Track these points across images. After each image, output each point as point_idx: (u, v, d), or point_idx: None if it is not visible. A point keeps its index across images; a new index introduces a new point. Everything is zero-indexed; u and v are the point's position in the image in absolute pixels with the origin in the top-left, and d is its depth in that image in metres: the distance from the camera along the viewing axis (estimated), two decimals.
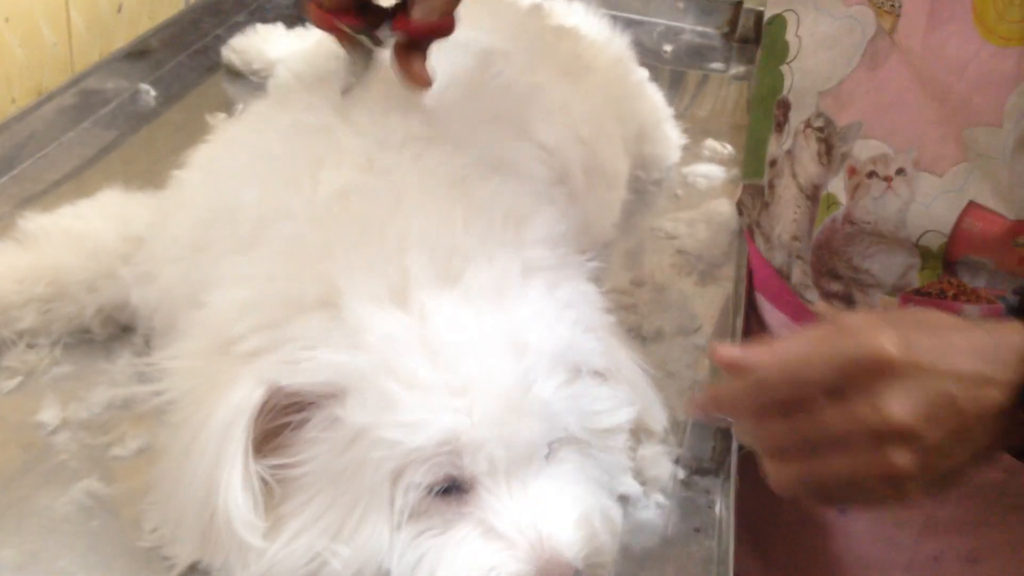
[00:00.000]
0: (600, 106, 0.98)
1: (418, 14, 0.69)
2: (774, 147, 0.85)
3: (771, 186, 0.86)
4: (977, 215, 0.71)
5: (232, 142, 0.76)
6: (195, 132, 1.10)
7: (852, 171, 0.77)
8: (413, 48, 0.70)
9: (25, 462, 0.67)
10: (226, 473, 0.58)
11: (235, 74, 1.22)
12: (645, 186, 1.11)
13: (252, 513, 0.58)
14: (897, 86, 0.73)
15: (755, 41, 1.52)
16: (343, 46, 0.73)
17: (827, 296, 0.82)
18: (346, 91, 0.73)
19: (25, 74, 1.06)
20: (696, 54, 1.50)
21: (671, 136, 1.14)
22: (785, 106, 0.83)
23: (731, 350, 0.57)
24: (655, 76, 1.22)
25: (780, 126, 0.84)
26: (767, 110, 0.85)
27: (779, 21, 0.82)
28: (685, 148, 1.18)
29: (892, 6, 0.72)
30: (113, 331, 0.78)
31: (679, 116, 1.20)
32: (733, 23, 1.54)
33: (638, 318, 0.89)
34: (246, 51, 1.21)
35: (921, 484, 0.56)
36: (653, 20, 1.55)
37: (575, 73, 0.97)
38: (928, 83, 0.71)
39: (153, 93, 1.15)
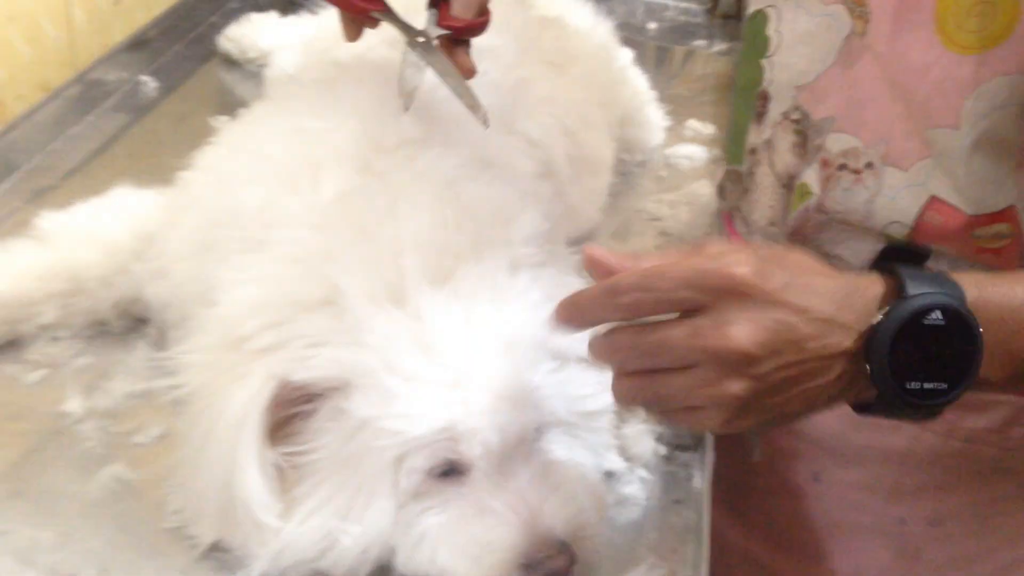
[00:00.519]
0: (584, 95, 1.02)
1: (458, 10, 0.75)
2: (754, 136, 0.89)
3: (750, 173, 0.90)
4: (938, 208, 0.76)
5: (235, 145, 0.81)
6: (194, 123, 1.15)
7: (825, 163, 0.81)
8: (457, 42, 0.76)
9: (55, 450, 0.73)
10: (242, 459, 0.63)
11: (231, 63, 1.26)
12: (629, 168, 1.16)
13: (268, 496, 0.63)
14: (868, 84, 0.77)
15: (736, 17, 1.55)
16: (407, 53, 0.76)
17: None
18: (408, 104, 0.77)
19: (30, 71, 1.09)
20: (680, 31, 1.53)
21: (654, 119, 1.19)
22: (764, 98, 0.86)
23: (599, 250, 0.58)
24: (640, 53, 1.25)
25: (760, 116, 0.88)
26: (747, 100, 0.89)
27: (760, 16, 0.85)
28: (668, 129, 1.21)
29: (862, 12, 0.76)
30: (129, 323, 0.83)
31: (662, 95, 1.24)
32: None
33: None
34: (241, 40, 1.24)
35: (752, 414, 0.56)
36: None
37: (559, 64, 1.01)
38: (894, 84, 0.75)
39: (153, 84, 1.19)
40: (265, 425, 0.64)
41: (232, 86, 1.23)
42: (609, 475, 0.73)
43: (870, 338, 0.56)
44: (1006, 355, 0.60)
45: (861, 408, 0.61)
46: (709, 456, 0.75)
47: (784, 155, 0.84)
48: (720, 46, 1.50)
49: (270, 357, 0.65)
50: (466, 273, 0.67)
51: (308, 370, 0.64)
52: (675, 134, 1.22)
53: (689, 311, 0.56)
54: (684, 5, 1.58)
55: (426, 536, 0.65)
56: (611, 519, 0.70)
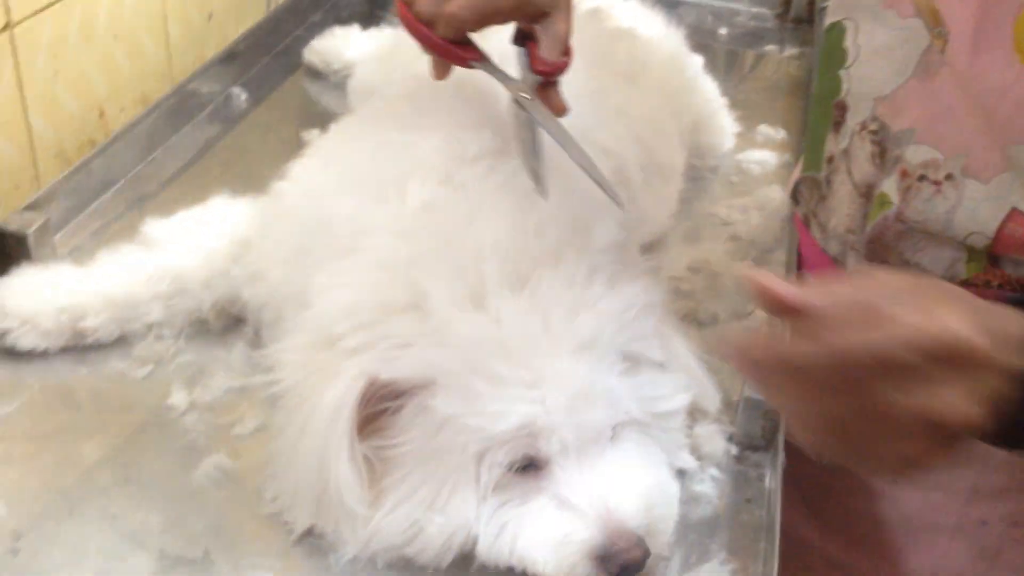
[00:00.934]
0: (656, 104, 1.05)
1: (546, 52, 0.77)
2: (831, 145, 0.90)
3: (828, 181, 0.91)
4: (1019, 221, 0.76)
5: (325, 158, 0.85)
6: (281, 132, 1.20)
7: (904, 174, 0.82)
8: (547, 84, 0.78)
9: (161, 440, 0.78)
10: (335, 451, 0.68)
11: (315, 74, 1.31)
12: (701, 173, 1.18)
13: (358, 486, 0.68)
14: (947, 98, 0.78)
15: (808, 21, 1.56)
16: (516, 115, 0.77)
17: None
18: (544, 192, 0.75)
19: (131, 85, 1.16)
20: (751, 36, 1.55)
21: (725, 125, 1.20)
22: (842, 108, 0.87)
23: (768, 278, 0.55)
24: (710, 58, 1.27)
25: (838, 126, 0.89)
26: (825, 110, 0.90)
27: (838, 28, 0.87)
28: (739, 134, 1.23)
29: (940, 32, 0.76)
30: (227, 323, 0.89)
31: (733, 99, 1.25)
32: (787, 4, 1.57)
33: (694, 304, 0.96)
34: (325, 52, 1.29)
35: (926, 470, 0.55)
36: (708, 3, 1.60)
37: (632, 74, 1.04)
38: (973, 100, 0.76)
39: (243, 95, 1.25)
40: (356, 420, 0.68)
41: (317, 96, 1.29)
42: (681, 473, 0.76)
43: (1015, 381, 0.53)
44: None
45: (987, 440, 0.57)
46: (780, 456, 0.77)
47: (862, 165, 0.85)
48: (791, 50, 1.50)
49: (360, 356, 0.69)
50: (544, 278, 0.70)
51: (396, 369, 0.68)
52: (746, 139, 1.24)
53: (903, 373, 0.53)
54: (755, 10, 1.59)
55: (506, 527, 0.68)
56: (683, 516, 0.73)
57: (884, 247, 0.86)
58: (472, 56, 0.78)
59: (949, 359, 0.52)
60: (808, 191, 0.94)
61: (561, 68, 0.78)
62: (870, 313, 0.54)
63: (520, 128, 0.78)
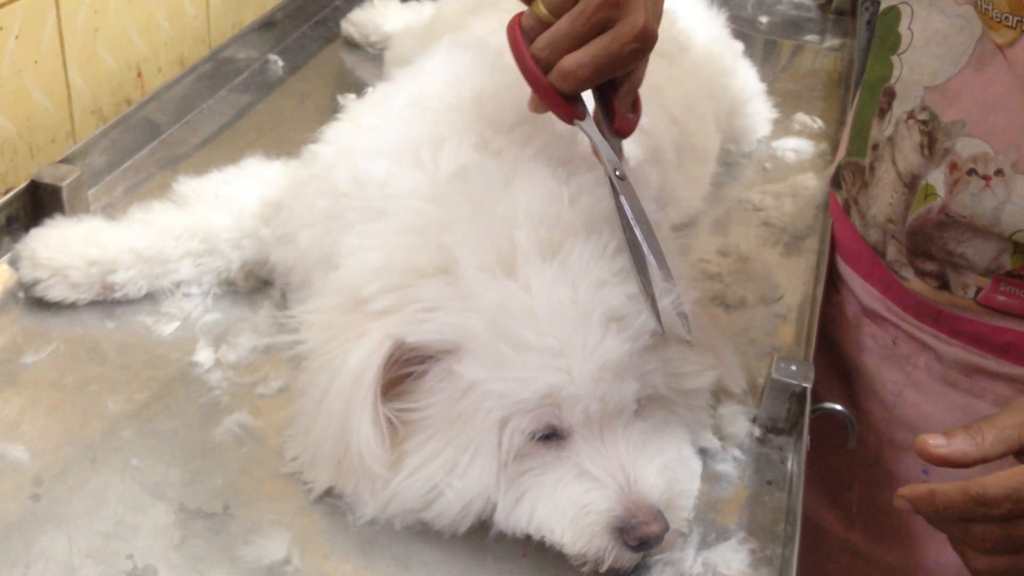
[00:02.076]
0: (694, 85, 1.04)
1: (624, 108, 0.74)
2: (876, 131, 0.88)
3: (871, 168, 0.90)
4: None
5: (361, 121, 0.85)
6: (316, 101, 1.20)
7: (953, 166, 0.80)
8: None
9: (185, 396, 0.79)
10: (358, 412, 0.67)
11: (353, 45, 1.31)
12: (735, 158, 1.17)
13: (380, 447, 0.68)
14: (1000, 89, 0.76)
15: (851, 13, 1.54)
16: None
17: (921, 275, 0.87)
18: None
19: (170, 46, 1.16)
20: (792, 25, 1.53)
21: (762, 111, 1.19)
22: (890, 94, 0.86)
23: (940, 446, 0.64)
24: (749, 47, 1.26)
25: (883, 112, 0.87)
26: (874, 95, 0.88)
27: (893, 12, 0.85)
28: (775, 122, 1.22)
29: (1016, 22, 0.74)
30: (254, 284, 0.89)
31: (771, 88, 1.24)
32: None
33: (723, 286, 0.95)
34: (363, 24, 1.29)
35: None
36: None
37: (671, 54, 1.03)
38: None
39: (280, 63, 1.25)
40: (380, 382, 0.68)
41: (353, 67, 1.29)
42: (703, 452, 0.75)
43: None
44: None
45: None
46: (804, 440, 0.77)
47: (908, 154, 0.84)
48: (832, 41, 1.49)
49: (387, 319, 0.69)
50: (576, 248, 0.70)
51: (423, 333, 0.68)
52: (782, 127, 1.23)
53: None
54: (797, 0, 1.58)
55: (525, 495, 0.68)
56: (703, 494, 0.72)
57: (925, 238, 0.85)
58: (577, 114, 0.72)
59: None
60: (851, 177, 0.93)
61: (636, 124, 0.75)
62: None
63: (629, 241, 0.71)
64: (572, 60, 0.68)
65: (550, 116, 0.75)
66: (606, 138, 0.73)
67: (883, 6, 0.86)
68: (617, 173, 0.72)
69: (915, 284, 0.87)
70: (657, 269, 0.69)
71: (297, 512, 0.70)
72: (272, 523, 0.69)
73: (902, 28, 0.83)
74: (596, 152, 0.74)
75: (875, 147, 0.88)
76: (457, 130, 0.78)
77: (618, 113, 0.74)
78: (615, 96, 0.73)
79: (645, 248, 0.69)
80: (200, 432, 0.76)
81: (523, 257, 0.69)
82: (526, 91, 0.81)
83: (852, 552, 0.94)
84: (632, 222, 0.70)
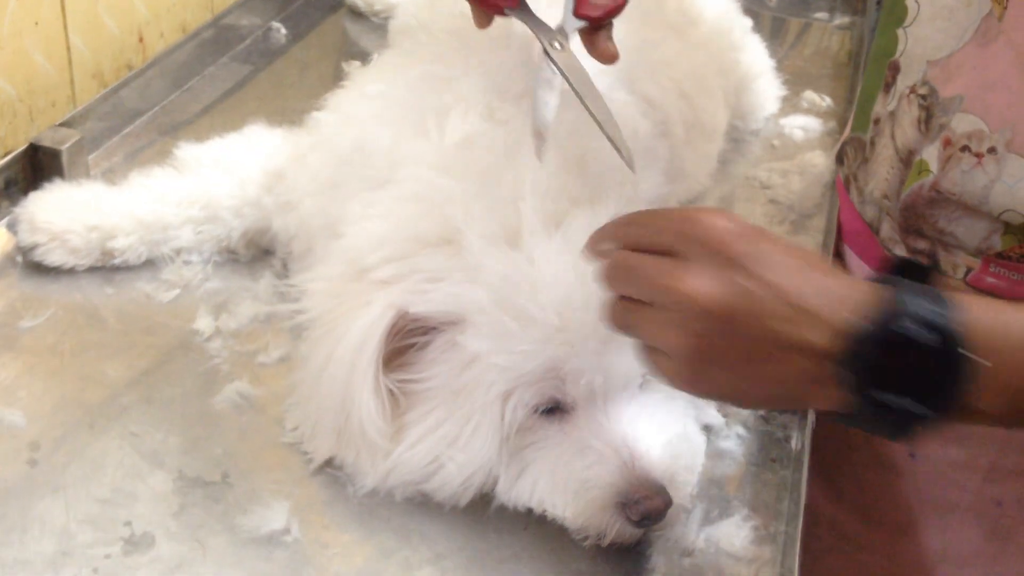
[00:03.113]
0: (703, 60, 1.03)
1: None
2: (879, 106, 0.88)
3: (872, 143, 0.89)
4: None
5: (366, 89, 0.84)
6: (319, 70, 1.19)
7: (947, 142, 0.79)
8: (596, 28, 0.73)
9: (184, 363, 0.78)
10: (359, 383, 0.67)
11: (357, 14, 1.30)
12: (742, 135, 1.15)
13: (381, 418, 0.67)
14: (1000, 67, 0.75)
15: None
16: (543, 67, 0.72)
17: (913, 253, 0.87)
18: (539, 148, 0.70)
19: (172, 11, 1.15)
20: (801, 2, 1.51)
21: (770, 88, 1.18)
22: (895, 68, 0.85)
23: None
24: (756, 23, 1.24)
25: (887, 87, 0.86)
26: (880, 69, 0.87)
27: None
28: (784, 99, 1.21)
29: None
30: (255, 253, 0.88)
31: (779, 65, 1.23)
32: None
33: None
34: None
35: (704, 380, 0.55)
36: None
37: (680, 27, 1.02)
38: None
39: (283, 31, 1.23)
40: (382, 352, 0.67)
41: (356, 37, 1.27)
42: (707, 429, 0.74)
43: (848, 339, 0.52)
44: (1005, 389, 0.53)
45: (828, 415, 0.57)
46: (810, 419, 0.76)
47: (907, 129, 0.83)
48: (842, 19, 1.47)
49: (390, 289, 0.68)
50: (581, 220, 0.69)
51: (426, 303, 0.67)
52: (790, 104, 1.21)
53: (669, 252, 0.56)
54: None
55: (527, 469, 0.67)
56: (707, 471, 0.72)
57: (917, 215, 0.84)
58: (507, 3, 0.73)
59: (696, 242, 0.54)
60: (853, 152, 0.92)
61: (611, 11, 0.73)
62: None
63: (540, 87, 0.72)
64: None
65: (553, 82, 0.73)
66: (563, 23, 0.72)
67: None
68: (556, 45, 0.71)
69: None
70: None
71: (297, 482, 0.69)
72: (271, 492, 0.68)
73: (909, 0, 0.82)
74: (537, 34, 0.72)
75: (877, 122, 0.87)
76: (463, 99, 0.77)
77: (585, 1, 0.71)
78: None
79: (594, 112, 0.69)
80: (200, 400, 0.75)
81: (528, 229, 0.68)
82: (533, 60, 0.80)
83: (840, 533, 0.94)
84: (579, 93, 0.69)
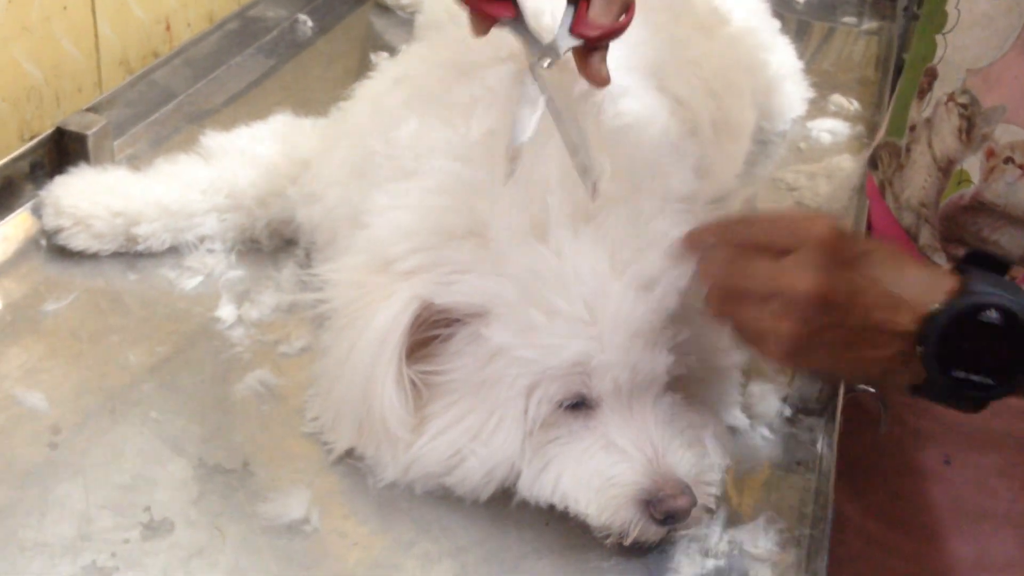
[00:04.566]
0: (732, 59, 1.02)
1: (597, 14, 0.68)
2: (915, 113, 0.86)
3: (907, 149, 0.88)
4: None
5: (394, 79, 0.83)
6: (345, 63, 1.19)
7: (991, 153, 0.78)
8: (591, 49, 0.69)
9: (206, 351, 0.77)
10: (382, 373, 0.66)
11: (383, 8, 1.29)
12: (769, 137, 1.14)
13: (403, 409, 0.66)
14: None
15: None
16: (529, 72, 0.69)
17: (954, 261, 0.85)
18: (512, 169, 0.67)
19: (199, 1, 1.15)
20: (829, 6, 1.50)
21: (798, 90, 1.17)
22: (931, 74, 0.84)
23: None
24: (782, 27, 1.23)
25: (923, 93, 0.85)
26: (916, 74, 0.86)
27: None
28: (811, 102, 1.20)
29: None
30: (279, 243, 0.88)
31: (806, 68, 1.21)
32: None
33: None
34: None
35: (805, 358, 0.62)
36: None
37: (710, 26, 1.01)
38: None
39: (309, 23, 1.23)
40: (405, 343, 0.67)
41: (382, 31, 1.27)
42: (732, 430, 0.74)
43: (926, 323, 0.59)
44: None
45: (914, 390, 0.62)
46: (837, 422, 0.75)
47: (945, 138, 0.82)
48: (870, 24, 1.46)
49: (415, 279, 0.67)
50: (611, 215, 0.68)
51: (451, 295, 0.66)
52: (818, 108, 1.20)
53: (780, 252, 0.61)
54: None
55: (550, 464, 0.66)
56: (732, 472, 0.71)
57: (957, 224, 0.83)
58: (503, 12, 0.68)
59: (807, 242, 0.60)
60: (888, 157, 0.90)
61: (609, 34, 0.69)
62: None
63: (523, 102, 0.68)
64: None
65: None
66: (557, 39, 0.68)
67: None
68: (544, 63, 0.68)
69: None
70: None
71: (317, 472, 0.69)
72: (291, 482, 0.67)
73: (949, 7, 0.81)
74: (528, 48, 0.69)
75: (912, 128, 0.86)
76: (491, 90, 0.76)
77: (583, 20, 0.68)
78: (585, 10, 0.68)
79: (562, 132, 0.68)
80: (221, 388, 0.74)
81: (556, 222, 0.67)
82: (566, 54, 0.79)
83: (868, 539, 0.93)
84: (556, 114, 0.68)
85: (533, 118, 0.68)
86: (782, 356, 0.61)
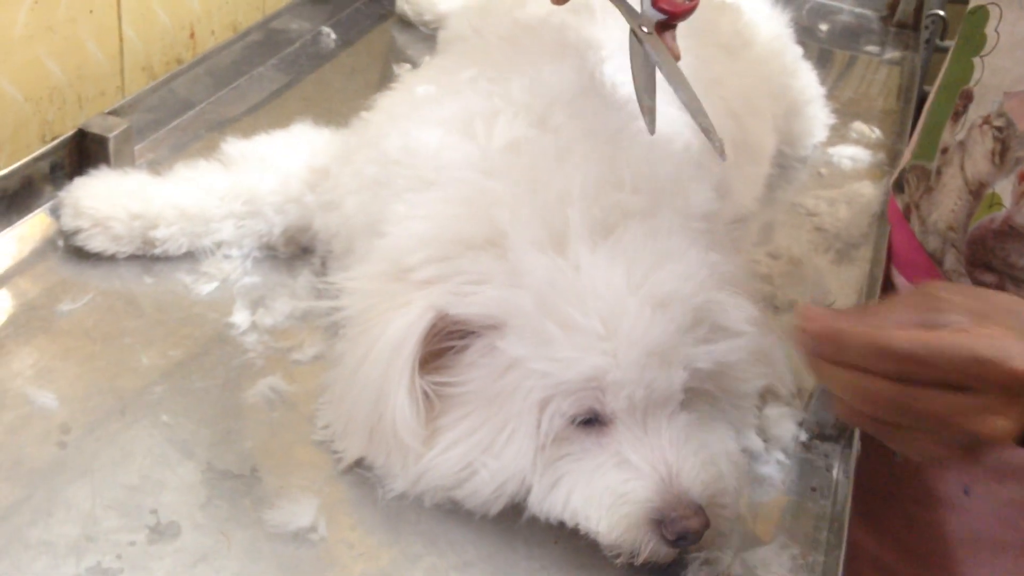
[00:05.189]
0: (754, 82, 1.01)
1: None
2: (948, 135, 0.86)
3: (938, 172, 0.87)
4: None
5: (415, 91, 0.83)
6: (367, 76, 1.19)
7: (1023, 177, 0.78)
8: (666, 26, 0.75)
9: (220, 356, 0.77)
10: (395, 383, 0.65)
11: (406, 23, 1.30)
12: (790, 162, 1.14)
13: (414, 420, 0.65)
14: None
15: (914, 28, 1.50)
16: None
17: (979, 285, 0.84)
18: (651, 125, 0.73)
19: (224, 9, 1.16)
20: (851, 35, 1.50)
21: (820, 115, 1.17)
22: (967, 97, 0.83)
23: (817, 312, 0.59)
24: (803, 54, 1.23)
25: (957, 115, 0.84)
26: (950, 97, 0.85)
27: (981, 13, 0.82)
28: (832, 129, 1.19)
29: None
30: (295, 251, 0.88)
31: (828, 95, 1.21)
32: (893, 7, 1.52)
33: (772, 288, 0.93)
34: (419, 3, 1.28)
35: (927, 455, 0.60)
36: None
37: (733, 48, 1.01)
38: None
39: (332, 36, 1.24)
40: (419, 353, 0.66)
41: (405, 46, 1.27)
42: (747, 453, 0.72)
43: None
44: None
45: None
46: (855, 448, 0.74)
47: (978, 161, 0.81)
48: (892, 54, 1.45)
49: (431, 290, 0.67)
50: (630, 230, 0.68)
51: (467, 306, 0.66)
52: (839, 134, 1.20)
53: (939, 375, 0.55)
54: (858, 10, 1.55)
55: (562, 480, 0.65)
56: (746, 495, 0.70)
57: (985, 249, 0.82)
58: None
59: (985, 378, 0.54)
60: (915, 180, 0.90)
61: (686, 12, 0.75)
62: (927, 299, 0.57)
63: (637, 62, 0.75)
64: None
65: (608, 92, 0.72)
66: (643, 11, 0.74)
67: (971, 5, 0.83)
68: (644, 29, 0.72)
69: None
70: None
71: (326, 480, 0.68)
72: (300, 489, 0.67)
73: (988, 29, 0.80)
74: (626, 16, 0.74)
75: (944, 151, 0.85)
76: (513, 103, 0.76)
77: None
78: None
79: (680, 96, 0.70)
80: (232, 394, 0.74)
81: (575, 235, 0.67)
82: (589, 68, 0.79)
83: (882, 568, 0.91)
84: (670, 77, 0.71)
85: (648, 73, 0.73)
86: (919, 456, 0.60)
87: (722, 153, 0.71)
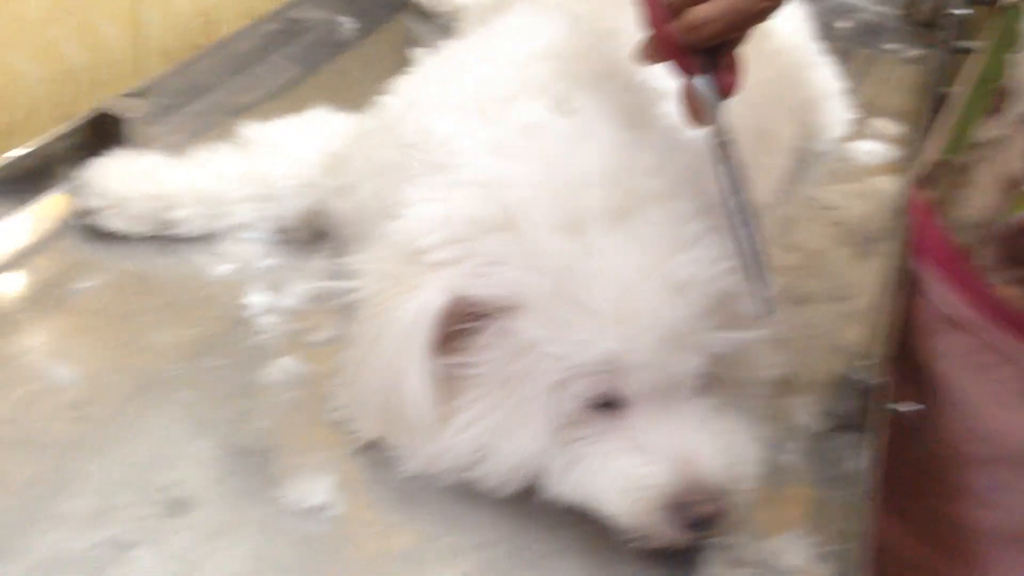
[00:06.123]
0: (772, 73, 1.01)
1: (729, 66, 0.68)
2: (982, 131, 0.85)
3: (969, 168, 0.86)
4: None
5: (431, 74, 0.83)
6: (385, 65, 1.18)
7: None
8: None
9: (235, 336, 0.77)
10: (408, 364, 0.65)
11: (422, 15, 1.30)
12: (807, 156, 1.13)
13: (428, 401, 0.65)
14: None
15: (934, 25, 1.49)
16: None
17: (1011, 283, 0.83)
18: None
19: None
20: (871, 33, 1.49)
21: (839, 109, 1.16)
22: (1002, 94, 0.83)
23: None
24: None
25: (992, 112, 0.84)
26: (984, 93, 0.85)
27: (1016, 9, 0.82)
28: (851, 124, 1.18)
29: None
30: (310, 236, 0.87)
31: (846, 92, 1.20)
32: (913, 5, 1.51)
33: (788, 280, 0.92)
34: None
35: None
36: None
37: (752, 40, 1.00)
38: None
39: (349, 25, 1.24)
40: (433, 335, 0.66)
41: (420, 37, 1.27)
42: (766, 440, 0.72)
43: None
44: None
45: None
46: (875, 438, 0.73)
47: (1012, 158, 0.80)
48: (913, 52, 1.44)
49: (446, 271, 0.66)
50: (649, 214, 0.67)
51: (481, 288, 0.65)
52: (858, 130, 1.19)
53: None
54: (878, 8, 1.54)
55: (576, 464, 0.65)
56: (764, 483, 0.69)
57: (1018, 246, 0.81)
58: (698, 69, 0.67)
59: None
60: (944, 176, 0.89)
61: (736, 89, 0.70)
62: None
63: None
64: (702, 12, 0.64)
65: (629, 75, 0.72)
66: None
67: (1005, 1, 0.83)
68: (723, 139, 0.68)
69: (1002, 291, 0.83)
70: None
71: (340, 459, 0.68)
72: (314, 468, 0.67)
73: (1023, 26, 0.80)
74: (700, 113, 0.68)
75: (975, 147, 0.85)
76: (529, 87, 0.76)
77: (721, 72, 0.68)
78: (720, 55, 0.68)
79: (741, 227, 0.65)
80: (247, 373, 0.74)
81: (592, 218, 0.66)
82: (606, 51, 0.78)
83: (907, 564, 0.90)
84: (731, 196, 0.65)
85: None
86: None
87: (767, 311, 0.65)
